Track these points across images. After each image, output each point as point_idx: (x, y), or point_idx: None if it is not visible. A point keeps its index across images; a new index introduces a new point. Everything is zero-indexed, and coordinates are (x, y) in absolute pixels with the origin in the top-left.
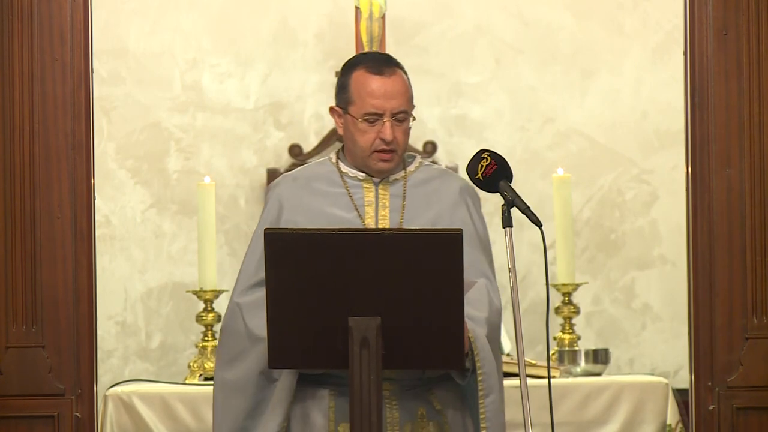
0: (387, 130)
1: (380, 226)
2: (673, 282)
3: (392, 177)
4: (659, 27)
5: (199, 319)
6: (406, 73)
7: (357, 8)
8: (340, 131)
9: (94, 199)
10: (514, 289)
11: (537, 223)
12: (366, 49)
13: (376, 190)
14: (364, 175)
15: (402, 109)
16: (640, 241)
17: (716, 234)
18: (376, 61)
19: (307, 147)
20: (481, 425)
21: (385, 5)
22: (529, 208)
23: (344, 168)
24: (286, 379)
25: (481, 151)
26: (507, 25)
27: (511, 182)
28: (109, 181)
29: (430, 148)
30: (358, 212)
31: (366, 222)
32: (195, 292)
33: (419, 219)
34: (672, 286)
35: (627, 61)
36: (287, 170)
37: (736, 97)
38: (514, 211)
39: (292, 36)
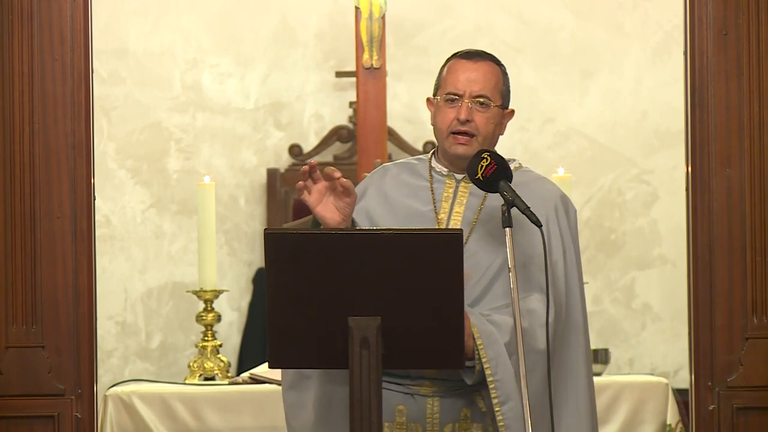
0: (463, 108)
1: (451, 223)
2: (673, 282)
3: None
4: (659, 27)
5: (199, 319)
6: (504, 71)
7: (357, 8)
8: (432, 121)
9: (94, 199)
10: (514, 289)
11: (537, 223)
12: (366, 49)
13: (456, 186)
14: (447, 170)
15: (482, 93)
16: (640, 241)
17: (716, 234)
18: (471, 51)
19: (307, 147)
20: None
21: (385, 5)
22: (528, 208)
23: (434, 163)
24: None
25: (481, 151)
26: (507, 25)
27: (510, 182)
28: (109, 181)
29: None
30: (435, 206)
31: (440, 217)
32: (195, 292)
33: (494, 221)
34: (672, 286)
35: (627, 61)
36: (287, 170)
37: (736, 97)
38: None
39: (292, 36)
